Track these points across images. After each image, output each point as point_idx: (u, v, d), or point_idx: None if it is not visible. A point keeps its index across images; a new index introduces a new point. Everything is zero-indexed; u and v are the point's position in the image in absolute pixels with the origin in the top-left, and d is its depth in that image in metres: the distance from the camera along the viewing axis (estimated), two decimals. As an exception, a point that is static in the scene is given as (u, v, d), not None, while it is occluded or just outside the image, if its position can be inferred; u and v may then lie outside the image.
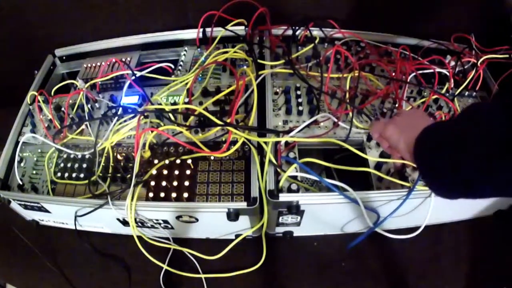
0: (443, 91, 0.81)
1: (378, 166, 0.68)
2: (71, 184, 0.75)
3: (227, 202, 0.66)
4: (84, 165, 0.75)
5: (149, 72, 0.86)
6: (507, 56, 0.82)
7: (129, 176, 0.71)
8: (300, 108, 0.75)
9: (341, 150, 0.68)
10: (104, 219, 0.76)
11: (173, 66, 0.89)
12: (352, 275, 0.77)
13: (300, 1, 0.99)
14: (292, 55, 0.83)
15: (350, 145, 0.67)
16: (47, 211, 0.75)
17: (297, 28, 0.88)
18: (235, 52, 0.85)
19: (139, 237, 0.69)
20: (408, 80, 0.80)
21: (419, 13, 0.97)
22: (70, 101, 0.84)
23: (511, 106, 0.36)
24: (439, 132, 0.45)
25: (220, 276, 0.74)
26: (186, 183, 0.68)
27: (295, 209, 0.63)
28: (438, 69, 0.81)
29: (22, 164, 0.80)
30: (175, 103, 0.79)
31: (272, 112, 0.74)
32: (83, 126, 0.81)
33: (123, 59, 0.91)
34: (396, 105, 0.77)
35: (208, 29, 0.90)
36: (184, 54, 0.92)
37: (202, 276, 0.74)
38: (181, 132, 0.72)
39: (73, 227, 0.76)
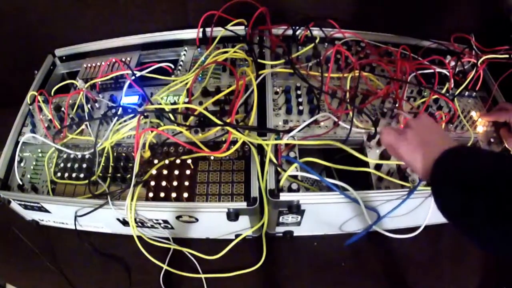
0: (443, 91, 0.81)
1: (378, 166, 0.68)
2: (71, 184, 0.75)
3: (227, 202, 0.66)
4: (84, 165, 0.75)
5: (149, 72, 0.86)
6: (507, 56, 0.82)
7: (129, 176, 0.71)
8: (301, 107, 0.75)
9: (342, 149, 0.68)
10: (104, 219, 0.76)
11: (173, 66, 0.89)
12: (352, 275, 0.77)
13: (300, 1, 0.99)
14: (292, 55, 0.83)
15: (350, 145, 0.67)
16: (47, 211, 0.75)
17: (297, 28, 0.88)
18: (235, 52, 0.85)
19: (139, 237, 0.69)
20: (408, 80, 0.80)
21: (419, 13, 0.97)
22: (70, 101, 0.84)
23: None
24: (461, 162, 0.44)
25: (220, 276, 0.74)
26: (186, 183, 0.68)
27: (295, 208, 0.63)
28: (438, 69, 0.81)
29: (22, 164, 0.80)
30: (175, 103, 0.79)
31: (272, 111, 0.74)
32: (83, 126, 0.81)
33: (123, 59, 0.91)
34: (397, 105, 0.78)
35: (208, 29, 0.90)
36: (184, 54, 0.92)
37: (202, 276, 0.74)
38: (181, 132, 0.72)
39: (73, 227, 0.76)
